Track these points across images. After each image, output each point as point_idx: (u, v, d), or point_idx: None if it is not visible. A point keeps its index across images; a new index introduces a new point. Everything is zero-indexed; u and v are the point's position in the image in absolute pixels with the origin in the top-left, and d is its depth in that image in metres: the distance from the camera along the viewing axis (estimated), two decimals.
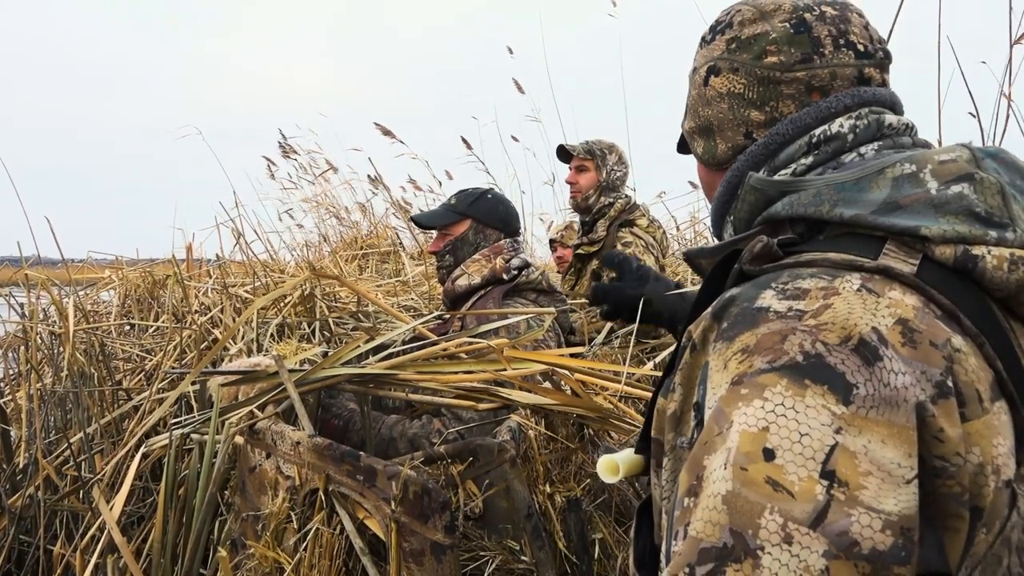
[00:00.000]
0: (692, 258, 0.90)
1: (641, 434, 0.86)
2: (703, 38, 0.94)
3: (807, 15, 0.87)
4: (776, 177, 0.83)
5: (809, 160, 0.83)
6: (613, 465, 0.89)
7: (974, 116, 2.23)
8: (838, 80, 0.85)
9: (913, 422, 0.61)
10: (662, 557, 0.69)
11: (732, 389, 0.63)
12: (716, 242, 0.96)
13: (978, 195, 0.70)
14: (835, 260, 0.70)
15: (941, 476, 0.62)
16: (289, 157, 5.18)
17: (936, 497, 0.62)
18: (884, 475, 0.59)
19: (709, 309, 0.72)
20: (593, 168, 3.09)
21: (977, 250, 0.69)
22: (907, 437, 0.60)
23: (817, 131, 0.83)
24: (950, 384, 0.63)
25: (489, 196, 2.29)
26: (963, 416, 0.64)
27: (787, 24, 0.87)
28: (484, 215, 2.24)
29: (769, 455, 0.59)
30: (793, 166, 0.84)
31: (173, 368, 2.40)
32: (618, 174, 3.09)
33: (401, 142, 5.05)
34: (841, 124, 0.83)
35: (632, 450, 0.90)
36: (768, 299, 0.67)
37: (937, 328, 0.66)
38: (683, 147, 1.06)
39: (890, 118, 0.85)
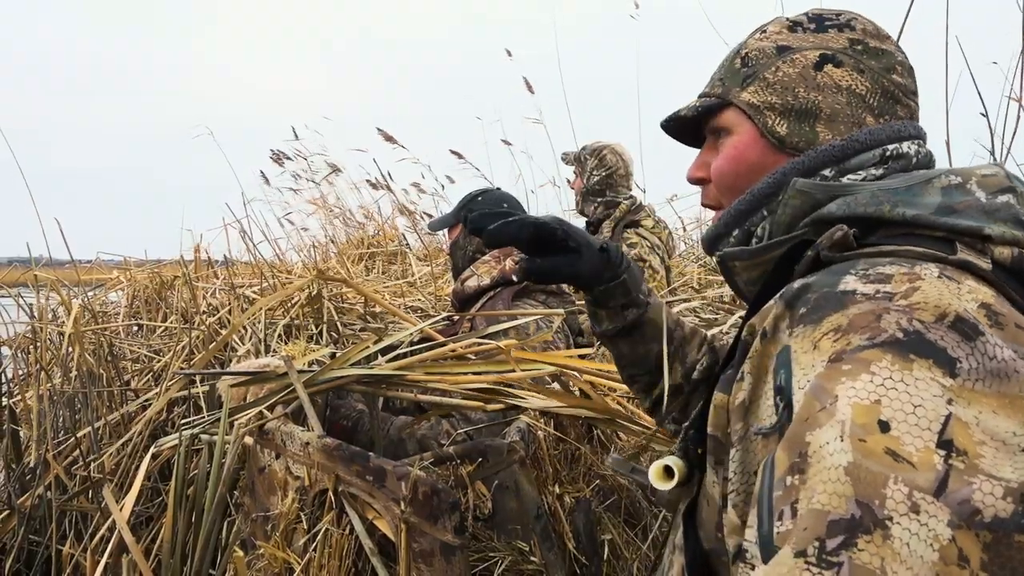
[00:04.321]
0: (729, 259, 0.89)
1: (690, 434, 0.84)
2: (798, 23, 0.92)
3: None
4: (823, 182, 0.84)
5: (879, 172, 0.85)
6: (665, 470, 0.86)
7: (983, 115, 2.22)
8: (917, 123, 0.90)
9: (1022, 391, 0.61)
10: (749, 546, 0.65)
11: (832, 366, 0.63)
12: (719, 243, 0.95)
13: (1022, 206, 0.75)
14: (916, 252, 0.72)
15: None
16: (282, 163, 5.18)
17: None
18: (999, 444, 0.59)
19: (778, 298, 0.72)
20: (578, 174, 3.14)
21: None
22: (1021, 406, 0.61)
23: (890, 147, 0.86)
24: None
25: (479, 199, 2.28)
26: None
27: (903, 55, 0.90)
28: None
29: (884, 427, 0.59)
30: (863, 174, 0.85)
31: (182, 369, 2.40)
32: (596, 178, 3.08)
33: (403, 147, 5.05)
34: (909, 146, 0.87)
35: (675, 457, 0.87)
36: (851, 283, 0.68)
37: (1016, 314, 0.68)
38: (671, 126, 1.00)
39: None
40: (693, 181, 0.99)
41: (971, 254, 0.72)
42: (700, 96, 0.97)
